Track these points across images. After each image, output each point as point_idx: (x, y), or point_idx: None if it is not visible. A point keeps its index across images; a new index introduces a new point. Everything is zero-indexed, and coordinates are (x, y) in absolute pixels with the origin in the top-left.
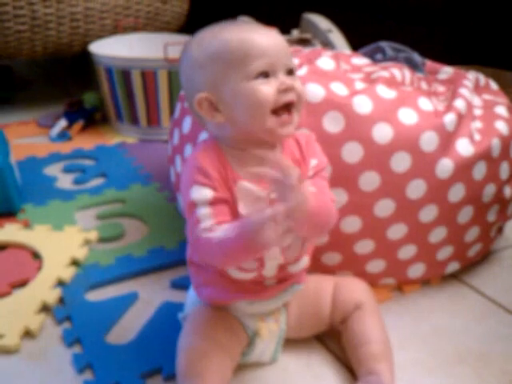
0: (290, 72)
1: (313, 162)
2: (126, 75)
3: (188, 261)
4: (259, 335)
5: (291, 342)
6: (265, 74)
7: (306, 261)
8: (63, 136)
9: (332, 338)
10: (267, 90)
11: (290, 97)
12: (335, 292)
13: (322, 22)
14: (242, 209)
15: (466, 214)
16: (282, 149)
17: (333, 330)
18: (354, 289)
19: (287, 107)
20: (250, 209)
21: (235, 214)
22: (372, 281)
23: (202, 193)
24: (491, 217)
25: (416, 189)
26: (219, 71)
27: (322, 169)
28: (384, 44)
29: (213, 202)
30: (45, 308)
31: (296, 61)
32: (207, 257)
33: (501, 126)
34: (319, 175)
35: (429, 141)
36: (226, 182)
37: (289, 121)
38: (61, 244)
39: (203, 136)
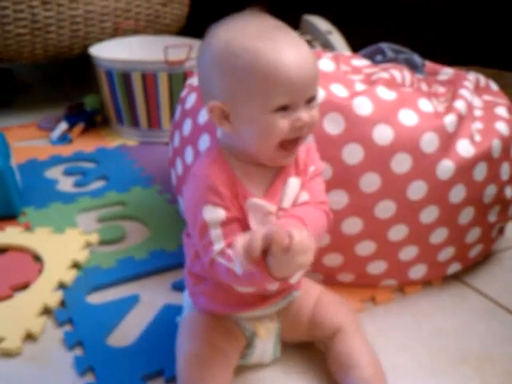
0: (311, 99)
1: (311, 169)
2: (126, 78)
3: (187, 271)
4: (258, 336)
5: (293, 345)
6: (285, 108)
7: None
8: (64, 139)
9: None
10: (283, 126)
11: (302, 133)
12: (316, 310)
13: (321, 24)
14: (254, 224)
15: (466, 215)
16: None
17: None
18: (336, 312)
19: (296, 140)
20: (261, 224)
21: (247, 230)
22: (373, 282)
23: (215, 214)
24: (492, 217)
25: (417, 190)
26: (241, 90)
27: (318, 174)
28: (384, 45)
29: (225, 222)
30: (46, 311)
31: None
32: (224, 279)
33: (501, 127)
34: (314, 180)
35: (429, 142)
36: (237, 198)
37: (292, 153)
38: (62, 247)
39: (203, 139)
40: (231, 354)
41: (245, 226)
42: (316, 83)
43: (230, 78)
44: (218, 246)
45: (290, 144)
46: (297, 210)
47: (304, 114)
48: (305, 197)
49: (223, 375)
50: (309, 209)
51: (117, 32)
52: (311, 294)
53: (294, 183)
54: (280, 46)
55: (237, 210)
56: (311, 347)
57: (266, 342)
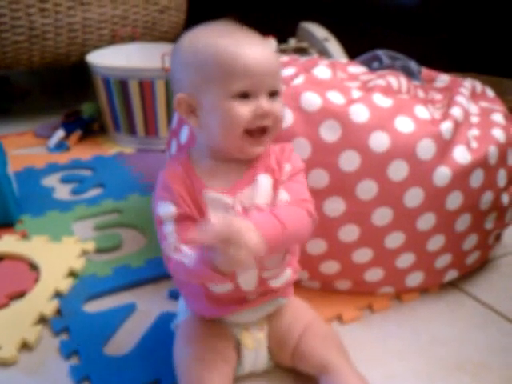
0: (274, 93)
1: (287, 168)
2: (123, 85)
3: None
4: (244, 345)
5: None
6: (245, 95)
7: (289, 274)
8: (61, 146)
9: None
10: (242, 111)
11: (264, 122)
12: (301, 339)
13: (318, 31)
14: (213, 217)
15: (463, 222)
16: (256, 161)
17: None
18: (321, 346)
19: (261, 130)
20: (220, 216)
21: None
22: (370, 290)
23: (166, 208)
24: (489, 224)
25: (413, 197)
26: (202, 79)
27: (297, 173)
28: (380, 52)
29: (177, 219)
30: (42, 320)
31: (293, 70)
32: (178, 275)
33: (498, 134)
34: (293, 179)
35: (426, 149)
36: (193, 194)
37: (259, 142)
38: (58, 255)
39: None
40: (230, 356)
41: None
42: (277, 78)
43: (191, 69)
44: (171, 240)
45: (256, 132)
46: (274, 208)
47: (264, 102)
48: (284, 196)
49: (224, 377)
50: (287, 207)
51: (114, 39)
52: (301, 319)
53: (263, 180)
54: (240, 42)
55: (191, 205)
56: None
57: (256, 352)
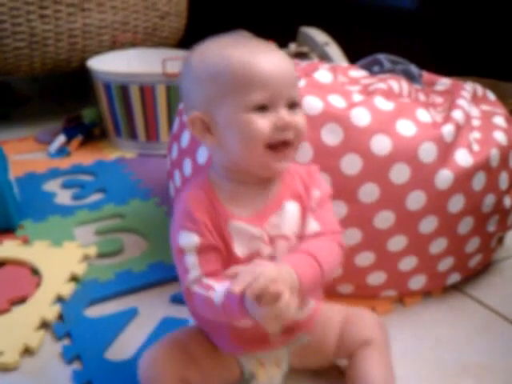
0: (293, 105)
1: (315, 194)
2: (124, 90)
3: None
4: (256, 379)
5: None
6: (263, 107)
7: (312, 305)
8: (62, 152)
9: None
10: (262, 125)
11: (286, 136)
12: (344, 328)
13: (318, 36)
14: (238, 248)
15: (466, 225)
16: (280, 184)
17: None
18: (365, 325)
19: (283, 144)
20: (246, 248)
21: (230, 255)
22: (373, 293)
23: (190, 239)
24: (491, 227)
25: (416, 200)
26: (217, 93)
27: (326, 199)
28: (381, 56)
29: (200, 250)
30: (44, 324)
31: None
32: (200, 310)
33: (499, 137)
34: (323, 207)
35: (427, 152)
36: (217, 223)
37: (284, 156)
38: (60, 260)
39: (202, 150)
40: (208, 370)
41: (228, 253)
42: (295, 86)
43: (205, 85)
44: (194, 273)
45: (279, 146)
46: (309, 244)
47: (285, 114)
48: (314, 226)
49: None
50: (322, 243)
51: (115, 45)
52: (336, 319)
53: (290, 208)
54: (253, 50)
55: (216, 236)
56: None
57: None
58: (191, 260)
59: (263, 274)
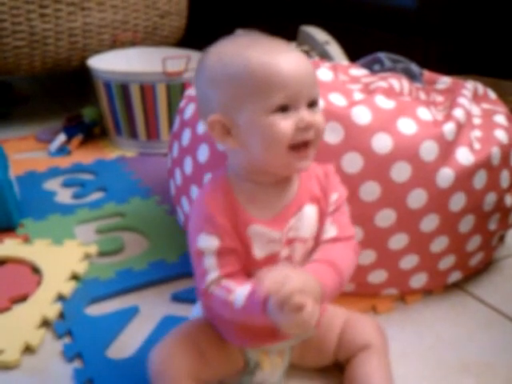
0: (313, 103)
1: (333, 197)
2: (124, 89)
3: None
4: (261, 368)
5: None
6: (284, 108)
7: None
8: (62, 151)
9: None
10: (285, 126)
11: (308, 136)
12: (344, 330)
13: (319, 35)
14: (256, 251)
15: (467, 223)
16: (298, 185)
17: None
18: (365, 329)
19: (305, 143)
20: (264, 250)
21: (248, 256)
22: (374, 291)
23: (209, 242)
24: (492, 225)
25: (417, 198)
26: (236, 95)
27: (342, 203)
28: (382, 55)
29: (220, 252)
30: (45, 323)
31: None
32: (215, 309)
33: (500, 135)
34: (340, 211)
35: (428, 150)
36: (237, 226)
37: (305, 156)
38: (60, 258)
39: (202, 149)
40: (215, 362)
41: (247, 255)
42: (315, 86)
43: (224, 87)
44: (213, 275)
45: (300, 146)
46: (330, 253)
47: (306, 114)
48: (332, 231)
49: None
50: (341, 251)
51: (115, 44)
52: (337, 320)
53: (309, 211)
54: (272, 50)
55: (235, 239)
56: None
57: (269, 374)
58: (210, 262)
59: (290, 281)
